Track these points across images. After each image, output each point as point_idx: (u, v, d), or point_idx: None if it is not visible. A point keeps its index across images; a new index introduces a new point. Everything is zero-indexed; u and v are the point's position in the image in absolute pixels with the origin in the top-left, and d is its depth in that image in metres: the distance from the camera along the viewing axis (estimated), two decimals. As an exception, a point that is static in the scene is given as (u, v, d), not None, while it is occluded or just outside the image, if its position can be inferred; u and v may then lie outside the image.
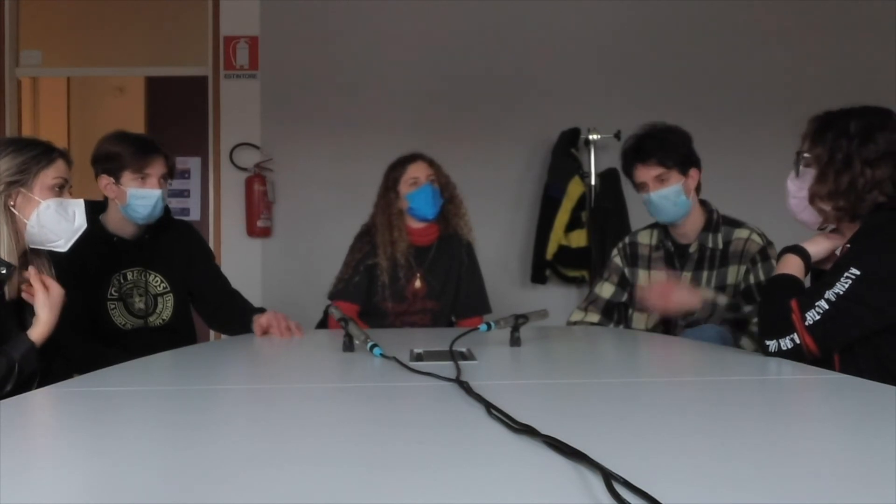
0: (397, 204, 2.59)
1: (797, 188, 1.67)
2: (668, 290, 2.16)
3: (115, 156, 2.16)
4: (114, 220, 2.22)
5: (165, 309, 2.29)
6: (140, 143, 2.18)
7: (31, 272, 1.64)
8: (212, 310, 2.39)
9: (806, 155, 1.65)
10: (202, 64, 4.19)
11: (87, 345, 2.12)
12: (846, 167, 1.57)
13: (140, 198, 2.16)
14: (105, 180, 2.17)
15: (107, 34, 4.30)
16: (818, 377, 1.40)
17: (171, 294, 2.30)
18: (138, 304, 2.24)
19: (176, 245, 2.33)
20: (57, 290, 1.65)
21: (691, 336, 2.11)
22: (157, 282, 2.28)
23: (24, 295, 1.65)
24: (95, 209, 2.21)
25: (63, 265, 2.07)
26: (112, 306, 2.21)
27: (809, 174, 1.64)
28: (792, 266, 1.66)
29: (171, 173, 2.23)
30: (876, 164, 1.55)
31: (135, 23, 4.26)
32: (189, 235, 2.40)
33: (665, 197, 2.21)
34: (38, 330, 1.61)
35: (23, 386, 1.50)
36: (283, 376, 1.58)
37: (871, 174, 1.55)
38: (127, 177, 2.15)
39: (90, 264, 2.17)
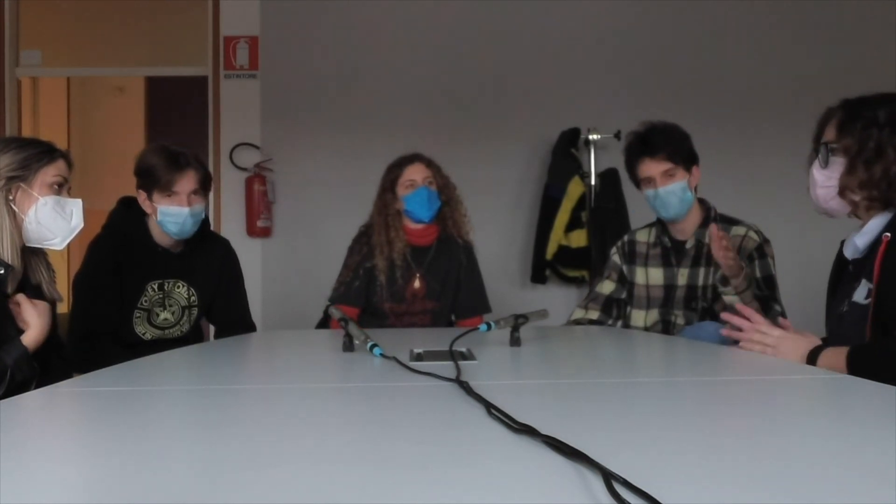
0: (394, 205, 2.58)
1: (825, 178, 1.64)
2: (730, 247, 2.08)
3: (148, 171, 2.17)
4: (157, 231, 2.23)
5: (188, 322, 2.30)
6: (170, 160, 2.16)
7: (17, 298, 1.65)
8: (222, 332, 2.42)
9: (834, 145, 1.63)
10: (202, 64, 4.19)
11: (104, 346, 2.14)
12: (878, 157, 1.55)
13: (168, 215, 2.17)
14: (141, 195, 2.19)
15: (107, 34, 4.30)
16: (818, 377, 1.39)
17: (196, 308, 2.31)
18: (162, 315, 2.25)
19: (211, 260, 2.35)
20: (42, 303, 1.67)
21: (689, 333, 2.11)
22: (189, 294, 2.29)
23: (14, 314, 1.65)
24: (143, 215, 2.23)
25: (107, 264, 2.10)
26: (137, 315, 2.22)
27: (838, 164, 1.62)
28: (836, 359, 1.54)
29: (204, 186, 2.21)
30: None
31: (135, 23, 4.26)
32: (224, 254, 2.41)
33: (672, 192, 2.22)
34: (31, 335, 1.62)
35: (14, 392, 1.49)
36: (282, 376, 1.58)
37: None
38: (157, 194, 2.16)
39: (131, 269, 2.18)
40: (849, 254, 1.67)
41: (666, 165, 2.22)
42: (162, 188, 2.15)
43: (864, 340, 1.52)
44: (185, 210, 2.16)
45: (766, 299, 2.14)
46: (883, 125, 1.55)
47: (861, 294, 1.57)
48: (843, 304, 1.65)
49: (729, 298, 2.11)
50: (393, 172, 2.60)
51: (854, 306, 1.59)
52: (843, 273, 1.71)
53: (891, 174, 1.55)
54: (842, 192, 1.62)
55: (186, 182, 2.16)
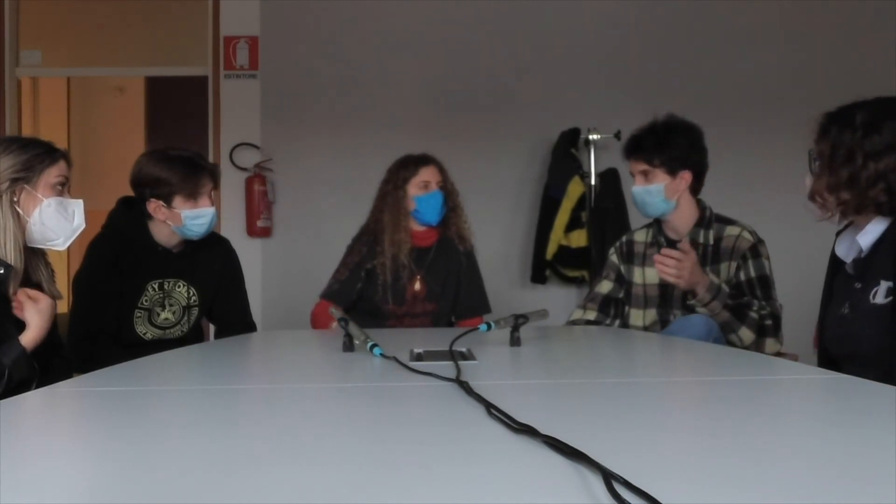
0: (405, 203, 2.56)
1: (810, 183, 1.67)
2: (687, 263, 2.08)
3: (165, 181, 2.16)
4: (161, 232, 2.23)
5: (188, 322, 2.30)
6: (188, 165, 2.17)
7: (19, 296, 1.64)
8: (222, 332, 2.42)
9: (814, 151, 1.63)
10: (202, 64, 4.19)
11: (103, 347, 2.14)
12: (848, 160, 1.54)
13: (195, 218, 2.17)
14: (155, 204, 2.18)
15: (107, 34, 4.30)
16: (818, 377, 1.39)
17: (197, 308, 2.31)
18: (163, 315, 2.25)
19: (213, 260, 2.35)
20: (45, 300, 1.66)
21: (678, 326, 2.11)
22: (190, 294, 2.29)
23: (14, 311, 1.65)
24: (143, 216, 2.22)
25: (107, 264, 2.10)
26: (138, 314, 2.22)
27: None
28: None
29: (217, 184, 2.25)
30: (879, 157, 1.52)
31: (135, 23, 4.26)
32: (225, 254, 2.41)
33: (646, 192, 2.28)
34: (30, 335, 1.61)
35: (14, 392, 1.49)
36: (282, 376, 1.58)
37: (875, 167, 1.52)
38: (179, 200, 2.16)
39: (131, 269, 2.19)
40: (842, 253, 1.66)
41: (642, 166, 2.28)
42: (187, 194, 2.15)
43: (886, 340, 1.50)
44: (212, 210, 2.19)
45: (741, 307, 2.13)
46: (857, 128, 1.55)
47: (881, 294, 1.53)
48: (842, 307, 1.63)
49: (700, 310, 2.12)
50: (407, 170, 2.57)
51: (871, 308, 1.55)
52: (838, 274, 1.70)
53: (860, 179, 1.53)
54: (811, 196, 1.62)
55: (208, 183, 2.19)
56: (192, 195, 2.16)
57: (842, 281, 1.67)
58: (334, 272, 2.63)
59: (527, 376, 1.55)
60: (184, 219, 2.16)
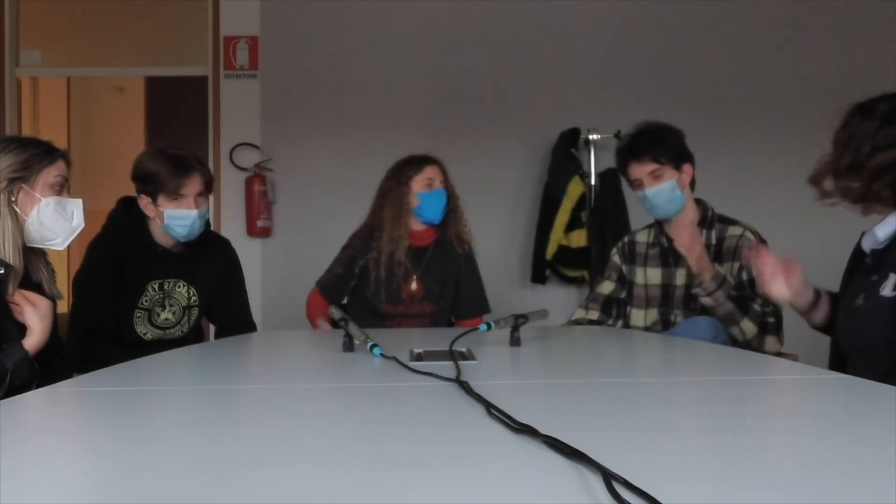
0: (407, 200, 2.57)
1: None
2: (698, 238, 2.12)
3: (152, 177, 2.16)
4: (158, 232, 2.23)
5: (188, 322, 2.30)
6: (174, 163, 2.16)
7: (16, 297, 1.64)
8: (222, 332, 2.42)
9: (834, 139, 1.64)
10: (202, 64, 4.19)
11: (104, 346, 2.14)
12: (855, 148, 1.54)
13: (177, 218, 2.17)
14: (144, 200, 2.19)
15: (107, 34, 4.30)
16: (818, 377, 1.39)
17: (197, 308, 2.31)
18: (163, 315, 2.25)
19: (213, 260, 2.35)
20: (44, 303, 1.66)
21: (684, 327, 2.12)
22: (190, 294, 2.29)
23: (14, 313, 1.64)
24: (143, 216, 2.22)
25: (107, 264, 2.10)
26: (138, 314, 2.22)
27: None
28: None
29: (208, 188, 2.23)
30: (886, 149, 1.51)
31: (135, 23, 4.26)
32: (225, 254, 2.41)
33: (660, 193, 2.25)
34: (33, 340, 1.61)
35: (14, 393, 1.49)
36: (282, 376, 1.58)
37: (882, 158, 1.51)
38: (162, 198, 2.16)
39: (131, 269, 2.19)
40: (867, 245, 1.65)
41: (651, 166, 2.25)
42: (169, 193, 2.15)
43: (892, 333, 1.50)
44: (194, 213, 2.17)
45: (745, 299, 2.14)
46: (875, 118, 1.55)
47: (889, 287, 1.54)
48: (857, 298, 1.63)
49: (704, 300, 2.12)
50: (411, 169, 2.58)
51: (880, 300, 1.55)
52: (859, 266, 1.70)
53: (864, 168, 1.53)
54: (814, 178, 1.62)
55: (193, 185, 2.17)
56: (174, 194, 2.15)
57: (862, 272, 1.67)
58: (330, 265, 2.65)
59: (527, 376, 1.55)
60: (166, 217, 2.17)
